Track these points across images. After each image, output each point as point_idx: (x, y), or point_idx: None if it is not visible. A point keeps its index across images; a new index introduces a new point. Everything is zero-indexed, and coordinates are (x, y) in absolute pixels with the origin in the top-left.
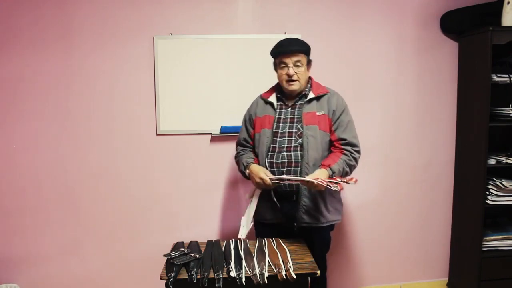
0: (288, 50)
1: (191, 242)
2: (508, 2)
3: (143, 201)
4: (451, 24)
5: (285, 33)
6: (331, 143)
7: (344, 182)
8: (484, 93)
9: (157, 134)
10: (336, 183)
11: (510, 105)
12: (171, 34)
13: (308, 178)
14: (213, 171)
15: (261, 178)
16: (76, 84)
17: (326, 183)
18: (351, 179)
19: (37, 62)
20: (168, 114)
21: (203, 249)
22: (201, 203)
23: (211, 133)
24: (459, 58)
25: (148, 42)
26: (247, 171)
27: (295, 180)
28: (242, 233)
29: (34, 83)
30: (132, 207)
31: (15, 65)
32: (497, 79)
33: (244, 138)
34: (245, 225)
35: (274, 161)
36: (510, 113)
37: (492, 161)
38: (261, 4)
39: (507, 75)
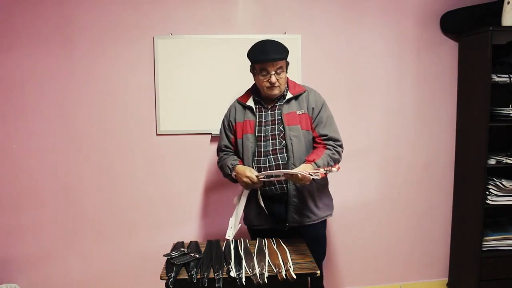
0: (270, 59)
1: (191, 242)
2: (508, 2)
3: (143, 201)
4: (451, 24)
5: (285, 33)
6: (314, 141)
7: (328, 171)
8: (484, 93)
9: (157, 134)
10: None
11: (510, 105)
12: (171, 34)
13: (293, 171)
14: (213, 171)
15: (247, 177)
16: (76, 84)
17: (308, 174)
18: (334, 166)
19: (37, 62)
20: (168, 114)
21: (203, 249)
22: (201, 203)
23: (211, 133)
24: (459, 58)
25: (148, 42)
26: (234, 173)
27: (280, 174)
28: (229, 234)
29: (34, 83)
30: (132, 207)
31: (15, 66)
32: (497, 79)
33: (225, 145)
34: (233, 226)
35: (262, 165)
36: (510, 113)
37: (492, 161)
38: (261, 4)
39: (507, 75)
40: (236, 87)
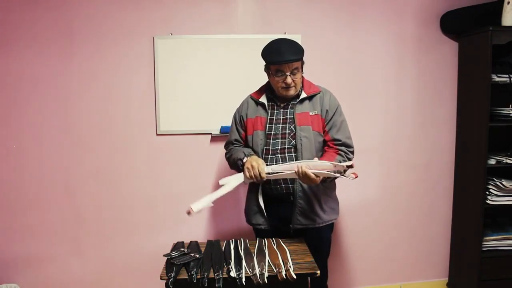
0: (286, 60)
1: (191, 242)
2: (508, 2)
3: (143, 201)
4: (451, 24)
5: (285, 33)
6: (324, 144)
7: (342, 174)
8: (484, 93)
9: (157, 134)
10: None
11: (510, 105)
12: (171, 34)
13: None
14: (213, 171)
15: (259, 171)
16: (76, 84)
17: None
18: (354, 174)
19: (37, 62)
20: (168, 114)
21: (203, 249)
22: None
23: (211, 133)
24: (459, 58)
25: (148, 42)
26: (246, 158)
27: (286, 173)
28: (196, 206)
29: (34, 83)
30: (132, 207)
31: (15, 65)
32: (497, 79)
33: (236, 139)
34: (205, 201)
35: (269, 164)
36: (510, 113)
37: (492, 161)
38: (261, 4)
39: (507, 75)
40: (237, 87)
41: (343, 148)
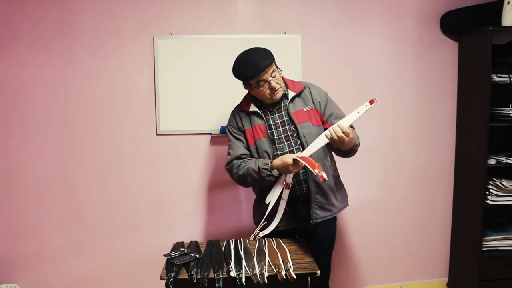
0: (263, 67)
1: (191, 242)
2: (508, 2)
3: (143, 201)
4: (451, 24)
5: (285, 33)
6: None
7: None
8: (484, 93)
9: (157, 134)
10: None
11: (510, 105)
12: (171, 34)
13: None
14: (213, 171)
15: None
16: (76, 84)
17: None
18: (372, 101)
19: (37, 63)
20: (168, 114)
21: (203, 249)
22: (201, 203)
23: (211, 133)
24: (459, 58)
25: (148, 42)
26: (274, 171)
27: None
28: (261, 234)
29: (34, 83)
30: (132, 207)
31: (14, 66)
32: (497, 79)
33: (242, 153)
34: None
35: None
36: (510, 113)
37: (492, 161)
38: (261, 4)
39: (507, 75)
40: (236, 87)
41: None
